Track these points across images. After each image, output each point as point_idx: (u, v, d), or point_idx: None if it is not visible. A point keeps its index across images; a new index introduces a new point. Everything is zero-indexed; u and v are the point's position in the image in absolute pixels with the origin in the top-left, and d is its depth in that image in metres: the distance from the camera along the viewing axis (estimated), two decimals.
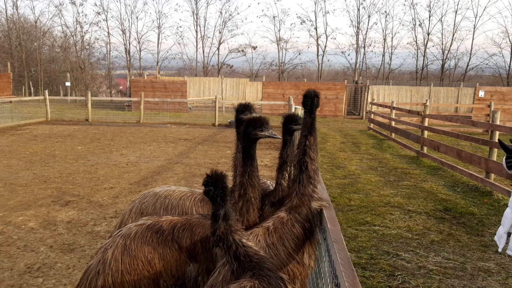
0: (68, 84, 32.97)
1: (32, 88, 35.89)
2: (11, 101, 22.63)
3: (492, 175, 8.12)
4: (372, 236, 5.54)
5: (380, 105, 19.38)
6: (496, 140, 8.27)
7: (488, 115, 19.61)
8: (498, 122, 8.38)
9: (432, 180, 8.94)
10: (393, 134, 15.03)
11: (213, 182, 2.07)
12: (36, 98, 21.77)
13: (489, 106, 19.67)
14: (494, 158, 8.22)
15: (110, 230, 5.57)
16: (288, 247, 2.39)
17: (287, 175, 2.87)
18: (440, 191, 7.96)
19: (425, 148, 11.60)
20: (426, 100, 26.69)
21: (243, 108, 3.09)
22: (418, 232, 5.74)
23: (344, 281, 1.49)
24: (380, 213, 6.49)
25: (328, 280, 2.13)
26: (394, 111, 16.14)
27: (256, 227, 2.52)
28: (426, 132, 12.02)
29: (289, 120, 2.94)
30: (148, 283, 2.44)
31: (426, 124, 12.30)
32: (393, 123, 15.69)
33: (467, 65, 40.55)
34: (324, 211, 2.33)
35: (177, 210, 2.97)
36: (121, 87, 45.98)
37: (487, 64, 40.64)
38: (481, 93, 27.21)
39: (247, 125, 2.59)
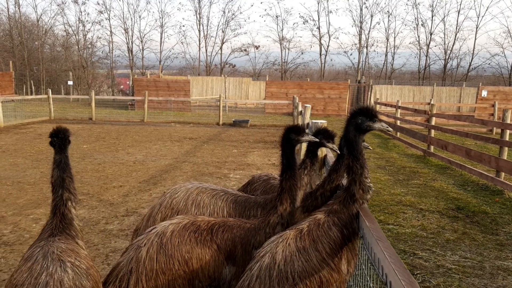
0: (70, 83, 32.91)
1: (33, 87, 35.86)
2: (13, 100, 22.59)
3: (503, 174, 8.08)
4: (387, 235, 5.49)
5: (385, 105, 19.33)
6: (507, 139, 8.23)
7: (492, 114, 19.59)
8: (508, 121, 8.34)
9: (441, 179, 8.89)
10: (398, 133, 14.98)
11: (55, 133, 2.60)
12: (39, 96, 21.71)
13: (493, 105, 19.65)
14: (505, 156, 8.18)
15: (123, 228, 5.54)
16: (322, 252, 2.25)
17: (330, 188, 2.87)
18: (450, 190, 7.92)
19: (432, 147, 11.56)
20: (430, 100, 26.63)
21: (327, 136, 3.13)
22: (433, 231, 5.70)
23: (399, 279, 1.45)
24: (392, 212, 6.45)
25: (367, 278, 2.08)
26: (399, 110, 16.09)
27: (289, 229, 2.44)
28: (433, 131, 11.97)
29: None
30: (183, 284, 2.39)
31: (433, 123, 12.24)
32: (398, 122, 15.64)
33: (469, 65, 40.51)
34: (359, 210, 2.28)
35: (209, 209, 2.92)
36: (121, 87, 45.95)
37: (489, 64, 40.61)
38: (484, 93, 27.18)
39: (289, 131, 2.74)
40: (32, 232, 5.40)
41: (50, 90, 20.24)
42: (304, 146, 5.60)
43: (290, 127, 2.78)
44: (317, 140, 2.88)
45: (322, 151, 4.43)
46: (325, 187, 2.86)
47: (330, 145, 2.99)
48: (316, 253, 2.24)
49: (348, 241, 2.30)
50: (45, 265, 2.14)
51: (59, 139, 2.61)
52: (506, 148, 8.20)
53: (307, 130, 3.34)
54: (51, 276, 2.10)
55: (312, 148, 3.23)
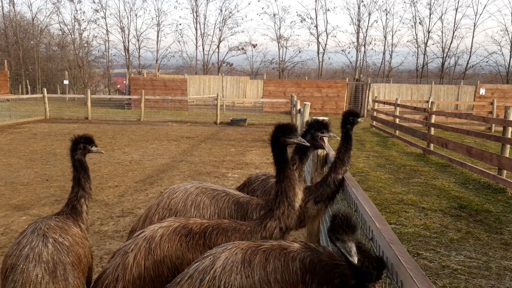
0: (66, 82, 32.65)
1: (29, 87, 35.58)
2: (8, 100, 22.35)
3: (505, 172, 7.96)
4: None
5: (384, 103, 19.21)
6: (509, 136, 8.12)
7: (490, 112, 19.51)
8: (511, 118, 8.22)
9: (442, 177, 8.77)
10: (397, 132, 14.86)
11: (80, 140, 2.96)
12: (34, 96, 21.48)
13: (492, 103, 19.58)
14: (507, 154, 8.07)
15: (118, 229, 5.38)
16: (270, 275, 1.90)
17: (342, 172, 2.78)
18: (452, 188, 7.80)
19: (431, 145, 11.44)
20: (429, 98, 26.55)
21: (320, 126, 3.07)
22: (436, 230, 5.57)
23: None
24: (394, 211, 6.32)
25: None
26: (398, 109, 15.97)
27: (251, 240, 2.22)
28: (432, 129, 11.85)
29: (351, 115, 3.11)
30: None
31: (432, 121, 12.12)
32: (397, 121, 15.51)
33: (467, 63, 40.50)
34: (367, 211, 2.14)
35: (209, 210, 2.77)
36: (118, 86, 45.71)
37: (487, 62, 40.62)
38: (482, 91, 27.13)
39: (277, 131, 2.57)
40: None
41: (45, 89, 20.01)
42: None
43: (278, 127, 2.63)
44: (307, 144, 2.73)
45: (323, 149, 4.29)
46: (337, 171, 2.77)
47: (326, 134, 2.86)
48: (262, 273, 1.91)
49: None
50: (30, 239, 2.39)
51: (83, 143, 2.98)
52: (508, 146, 8.09)
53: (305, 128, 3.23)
54: (33, 249, 2.33)
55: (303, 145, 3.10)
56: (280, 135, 2.55)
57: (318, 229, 4.75)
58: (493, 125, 15.40)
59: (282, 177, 2.52)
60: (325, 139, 4.03)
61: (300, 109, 9.78)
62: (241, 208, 2.78)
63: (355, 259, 1.71)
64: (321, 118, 4.74)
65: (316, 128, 2.96)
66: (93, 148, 3.05)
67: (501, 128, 9.56)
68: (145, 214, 2.95)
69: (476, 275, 4.28)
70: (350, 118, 3.10)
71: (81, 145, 2.97)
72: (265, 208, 2.69)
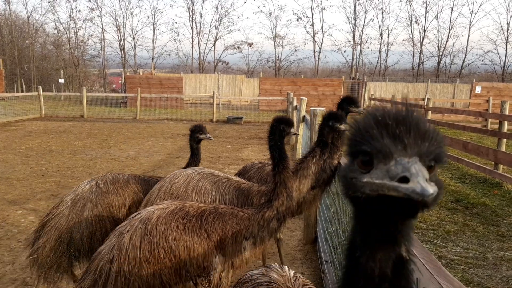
0: (61, 81, 32.46)
1: (24, 86, 35.36)
2: (3, 98, 22.20)
3: (501, 166, 7.99)
4: None
5: (381, 100, 19.26)
6: (505, 130, 8.15)
7: (486, 110, 19.58)
8: (507, 112, 8.25)
9: (438, 172, 8.78)
10: None
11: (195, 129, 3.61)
12: (30, 94, 21.36)
13: (488, 101, 19.65)
14: (503, 148, 8.10)
15: None
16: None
17: (337, 157, 2.81)
18: (448, 183, 7.82)
19: None
20: (425, 96, 26.69)
21: (339, 118, 3.15)
22: (433, 223, 5.58)
23: (417, 258, 1.30)
24: None
25: None
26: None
27: (191, 203, 2.43)
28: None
29: (347, 101, 3.34)
30: (169, 273, 2.22)
31: (429, 117, 12.15)
32: None
33: (463, 62, 40.69)
34: None
35: (210, 195, 2.77)
36: (114, 86, 45.55)
37: (482, 60, 40.82)
38: (478, 89, 27.25)
39: (280, 122, 2.66)
40: (20, 227, 5.20)
41: (40, 87, 19.89)
42: (301, 134, 5.48)
43: (280, 118, 2.71)
44: (297, 133, 2.84)
45: None
46: (332, 156, 2.79)
47: (342, 126, 2.92)
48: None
49: None
50: (87, 180, 3.20)
51: (193, 132, 3.50)
52: (505, 140, 8.12)
53: (302, 124, 3.27)
54: (78, 186, 3.15)
55: (324, 139, 3.08)
56: (284, 126, 2.64)
57: (315, 220, 4.76)
58: (490, 120, 15.48)
59: (281, 168, 2.54)
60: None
61: (296, 106, 9.81)
62: (242, 194, 2.78)
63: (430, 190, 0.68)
64: (319, 109, 4.74)
65: (336, 119, 2.99)
66: (201, 136, 3.49)
67: (497, 126, 9.62)
68: (146, 199, 2.95)
69: (473, 265, 4.29)
70: (344, 105, 3.18)
71: (193, 133, 3.49)
72: (267, 196, 2.70)
